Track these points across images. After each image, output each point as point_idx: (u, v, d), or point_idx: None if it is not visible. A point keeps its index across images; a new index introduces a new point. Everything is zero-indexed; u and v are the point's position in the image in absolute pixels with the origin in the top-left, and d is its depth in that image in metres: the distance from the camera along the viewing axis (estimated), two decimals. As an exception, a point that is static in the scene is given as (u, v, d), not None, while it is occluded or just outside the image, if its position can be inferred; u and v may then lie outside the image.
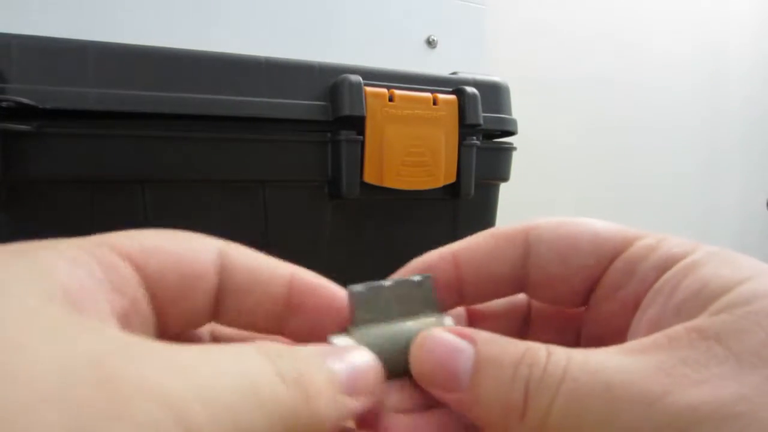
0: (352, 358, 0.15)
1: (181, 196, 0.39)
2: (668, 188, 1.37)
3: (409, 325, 0.17)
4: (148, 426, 0.10)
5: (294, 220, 0.44)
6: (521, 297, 0.20)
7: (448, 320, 0.18)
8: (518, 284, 0.19)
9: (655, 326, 0.15)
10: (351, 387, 0.15)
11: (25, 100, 0.33)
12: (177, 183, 0.39)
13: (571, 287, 0.18)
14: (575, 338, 0.20)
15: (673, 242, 0.17)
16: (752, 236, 1.52)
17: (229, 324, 0.17)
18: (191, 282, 0.16)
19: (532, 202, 1.03)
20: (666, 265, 0.16)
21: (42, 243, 0.14)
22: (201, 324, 0.17)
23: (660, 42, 1.32)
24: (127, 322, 0.14)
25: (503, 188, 0.53)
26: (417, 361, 0.16)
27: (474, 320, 0.20)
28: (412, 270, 0.19)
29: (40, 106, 0.34)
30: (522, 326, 0.20)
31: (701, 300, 0.14)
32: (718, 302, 0.14)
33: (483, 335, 0.16)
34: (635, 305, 0.17)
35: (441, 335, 0.16)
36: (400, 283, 0.18)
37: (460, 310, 0.20)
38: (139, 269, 0.15)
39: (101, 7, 0.60)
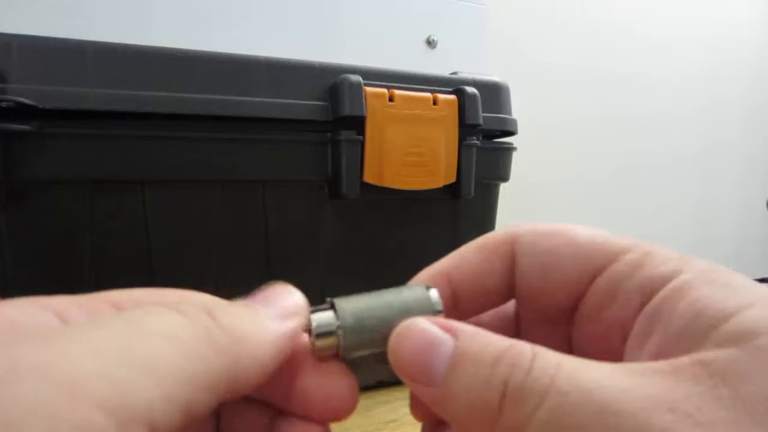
0: (268, 293, 0.16)
1: (181, 196, 0.39)
2: (668, 187, 1.37)
3: (399, 299, 0.17)
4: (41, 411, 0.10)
5: (294, 220, 0.44)
6: (510, 306, 0.20)
7: (434, 294, 0.17)
8: (509, 293, 0.19)
9: (656, 356, 0.14)
10: (275, 310, 0.15)
11: (25, 100, 0.33)
12: (177, 183, 0.39)
13: (554, 301, 0.18)
14: (567, 347, 0.19)
15: (659, 258, 0.16)
16: (752, 236, 1.52)
17: None
18: None
19: (532, 202, 1.03)
20: (652, 285, 0.15)
21: (39, 297, 0.14)
22: None
23: (660, 42, 1.32)
24: None
25: (503, 188, 0.53)
26: (393, 351, 0.15)
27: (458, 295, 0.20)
28: None
29: (40, 106, 0.34)
30: (513, 335, 0.20)
31: (700, 328, 0.14)
32: (719, 331, 0.13)
33: (467, 329, 0.15)
34: (621, 328, 0.16)
35: (422, 325, 0.15)
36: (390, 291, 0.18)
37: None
38: None
39: (101, 7, 0.60)
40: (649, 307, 0.15)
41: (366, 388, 0.46)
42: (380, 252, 0.47)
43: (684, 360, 0.13)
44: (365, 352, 0.16)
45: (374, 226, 0.47)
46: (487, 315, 0.20)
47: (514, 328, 0.20)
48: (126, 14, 0.61)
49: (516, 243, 0.18)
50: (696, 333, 0.14)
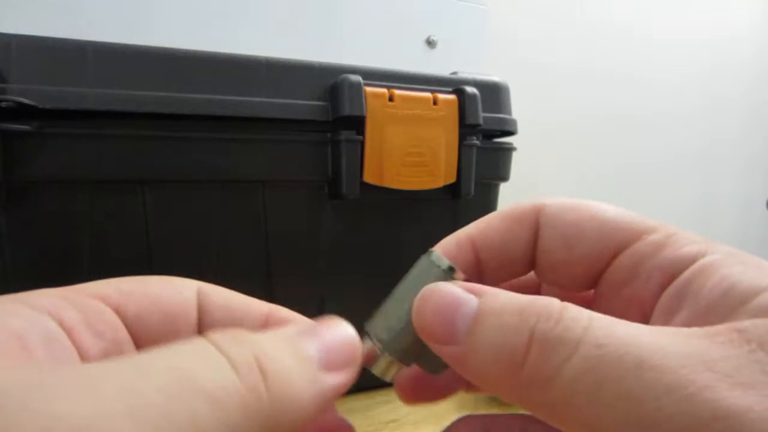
0: (323, 331, 0.14)
1: (181, 196, 0.39)
2: (668, 187, 1.37)
3: (411, 285, 0.16)
4: None
5: (294, 220, 0.44)
6: (532, 276, 0.20)
7: (436, 256, 0.17)
8: (531, 264, 0.19)
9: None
10: (327, 359, 0.13)
11: (25, 100, 0.33)
12: (177, 183, 0.39)
13: (573, 274, 0.18)
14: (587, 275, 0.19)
15: (683, 239, 0.16)
16: (752, 236, 1.52)
17: None
18: (173, 320, 0.16)
19: (532, 202, 1.02)
20: (675, 266, 0.15)
21: (19, 294, 0.14)
22: None
23: (660, 41, 1.32)
24: None
25: (503, 188, 0.53)
26: (417, 312, 0.15)
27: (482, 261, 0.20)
28: None
29: (40, 106, 0.34)
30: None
31: (732, 301, 0.13)
32: (751, 304, 0.13)
33: (491, 289, 0.15)
34: (640, 307, 0.16)
35: (445, 287, 0.15)
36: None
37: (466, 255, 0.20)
38: (119, 312, 0.15)
39: (101, 7, 0.60)
40: (675, 285, 0.15)
41: (366, 388, 0.46)
42: (380, 252, 0.47)
43: (719, 327, 0.13)
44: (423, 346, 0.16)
45: (374, 226, 0.47)
46: (505, 286, 0.20)
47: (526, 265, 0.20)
48: (126, 14, 0.61)
49: (541, 213, 0.18)
50: (727, 307, 0.13)
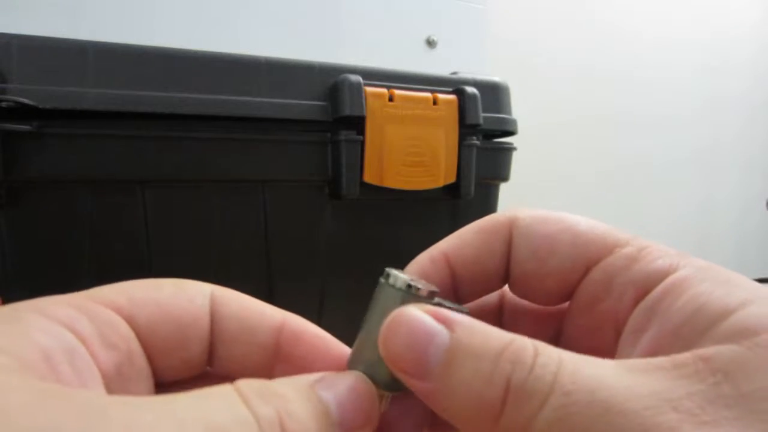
0: (341, 384, 0.14)
1: (181, 196, 0.39)
2: (668, 187, 1.37)
3: (377, 311, 0.16)
4: None
5: (294, 220, 0.44)
6: (493, 296, 0.20)
7: (393, 275, 0.16)
8: (506, 278, 0.18)
9: (653, 353, 0.14)
10: (344, 419, 0.14)
11: (25, 100, 0.33)
12: (177, 183, 0.39)
13: (546, 288, 0.18)
14: (553, 343, 0.19)
15: (656, 253, 0.16)
16: (752, 236, 1.52)
17: (223, 371, 0.17)
18: (185, 331, 0.16)
19: (532, 202, 1.02)
20: (648, 280, 0.15)
21: (33, 303, 0.14)
22: (197, 371, 0.17)
23: (661, 41, 1.32)
24: (120, 375, 0.14)
25: (503, 188, 0.53)
26: (384, 344, 0.15)
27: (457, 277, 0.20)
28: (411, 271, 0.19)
29: (40, 106, 0.34)
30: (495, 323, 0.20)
31: (699, 325, 0.13)
32: (719, 328, 0.13)
33: (462, 320, 0.14)
34: (614, 322, 0.16)
35: (414, 313, 0.14)
36: None
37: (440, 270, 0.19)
38: (131, 322, 0.15)
39: (101, 7, 0.60)
40: (646, 302, 0.15)
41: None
42: (380, 252, 0.47)
43: (685, 355, 0.13)
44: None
45: (374, 226, 0.47)
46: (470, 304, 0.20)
47: (496, 318, 0.20)
48: (126, 14, 0.61)
49: (514, 226, 0.18)
50: (695, 329, 0.13)
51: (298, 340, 0.17)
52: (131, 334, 0.15)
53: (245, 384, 0.13)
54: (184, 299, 0.16)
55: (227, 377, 0.17)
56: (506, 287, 0.20)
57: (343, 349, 0.17)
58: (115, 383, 0.14)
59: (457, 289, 0.19)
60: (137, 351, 0.15)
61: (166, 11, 0.63)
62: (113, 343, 0.14)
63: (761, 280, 0.87)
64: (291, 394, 0.13)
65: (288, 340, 0.17)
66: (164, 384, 0.16)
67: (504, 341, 0.14)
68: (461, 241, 0.18)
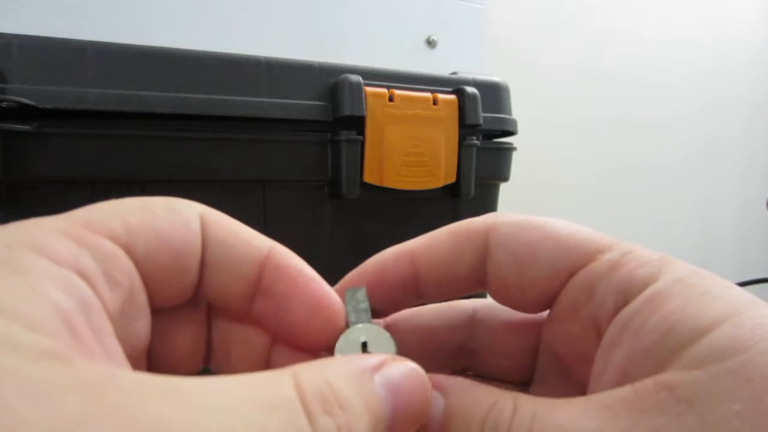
0: (399, 383, 0.14)
1: (181, 196, 0.39)
2: (668, 187, 1.37)
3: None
4: None
5: (294, 220, 0.44)
6: (468, 305, 0.20)
7: (373, 331, 0.17)
8: (478, 283, 0.18)
9: (622, 372, 0.14)
10: (395, 426, 0.13)
11: (25, 100, 0.33)
12: (177, 183, 0.39)
13: (526, 297, 0.17)
14: (532, 352, 0.19)
15: (637, 260, 0.15)
16: (752, 236, 1.52)
17: (210, 299, 0.17)
18: (182, 260, 0.15)
19: (532, 202, 1.03)
20: (627, 290, 0.15)
21: (25, 233, 0.12)
22: (187, 298, 0.16)
23: (661, 40, 1.32)
24: (123, 316, 0.14)
25: (503, 188, 0.53)
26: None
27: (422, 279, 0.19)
28: (368, 269, 0.19)
29: (40, 106, 0.34)
30: (469, 326, 0.20)
31: (669, 347, 0.13)
32: (688, 352, 0.13)
33: (454, 383, 0.15)
34: (596, 330, 0.16)
35: (415, 381, 0.15)
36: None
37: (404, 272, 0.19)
38: (129, 252, 0.14)
39: (101, 7, 0.60)
40: (621, 316, 0.15)
41: None
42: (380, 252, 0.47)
43: (648, 385, 0.13)
44: None
45: (374, 226, 0.47)
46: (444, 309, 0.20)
47: (469, 331, 0.20)
48: (126, 14, 0.61)
49: (492, 233, 0.17)
50: (664, 352, 0.13)
51: (281, 275, 0.16)
52: (132, 268, 0.14)
53: (308, 384, 0.12)
54: (180, 223, 0.15)
55: (210, 303, 0.17)
56: (474, 301, 0.20)
57: (325, 290, 0.17)
58: (118, 325, 0.13)
59: (420, 290, 0.18)
60: (139, 288, 0.14)
61: (166, 11, 0.63)
62: (117, 281, 0.13)
63: (761, 281, 0.87)
64: (351, 400, 0.12)
65: (270, 273, 0.16)
66: (157, 312, 0.15)
67: (488, 404, 0.14)
68: (432, 242, 0.18)
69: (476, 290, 0.18)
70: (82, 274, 0.12)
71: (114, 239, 0.14)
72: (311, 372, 0.12)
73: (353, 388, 0.13)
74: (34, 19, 0.57)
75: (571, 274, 0.16)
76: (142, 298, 0.14)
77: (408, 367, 0.14)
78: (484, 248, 0.17)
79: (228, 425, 0.10)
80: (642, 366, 0.14)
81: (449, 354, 0.20)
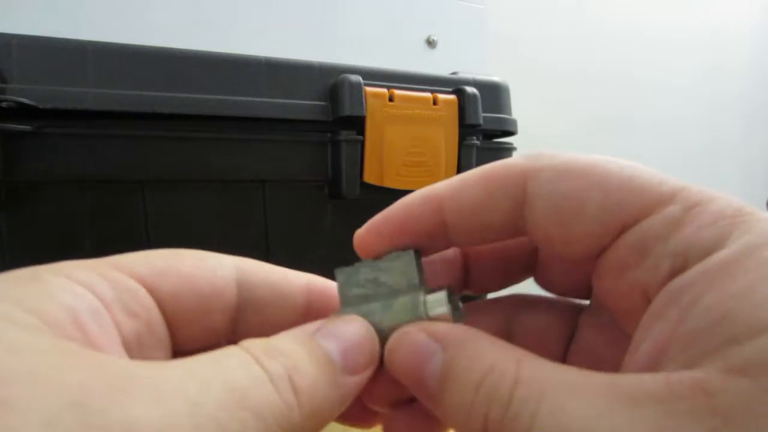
0: (342, 331, 0.15)
1: (181, 196, 0.39)
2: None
3: (387, 308, 0.16)
4: None
5: (294, 220, 0.44)
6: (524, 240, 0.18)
7: (429, 298, 0.16)
8: (515, 231, 0.16)
9: (661, 350, 0.12)
10: (348, 364, 0.14)
11: (25, 100, 0.33)
12: (177, 183, 0.39)
13: (573, 250, 0.15)
14: (587, 289, 0.18)
15: (705, 216, 0.13)
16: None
17: (252, 336, 0.18)
18: (208, 301, 0.16)
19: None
20: (687, 254, 0.13)
21: (53, 266, 0.14)
22: (219, 340, 0.17)
23: (660, 40, 1.32)
24: (139, 344, 0.14)
25: (503, 188, 0.53)
26: (390, 364, 0.15)
27: (472, 260, 0.19)
28: (394, 213, 0.17)
29: (40, 106, 0.34)
30: (527, 263, 0.19)
31: (718, 337, 0.11)
32: (739, 350, 0.11)
33: (453, 337, 0.14)
34: (644, 296, 0.14)
35: (411, 338, 0.15)
36: (383, 260, 0.18)
37: (451, 252, 0.19)
38: (152, 292, 0.15)
39: (101, 7, 0.60)
40: (673, 284, 0.13)
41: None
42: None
43: (684, 382, 0.11)
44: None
45: (374, 226, 0.47)
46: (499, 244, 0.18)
47: (528, 265, 0.19)
48: (126, 14, 0.61)
49: (530, 180, 0.15)
50: (711, 343, 0.11)
51: (327, 296, 0.18)
52: (152, 303, 0.15)
53: (250, 344, 0.13)
54: (206, 270, 0.16)
55: None
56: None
57: None
58: (134, 351, 0.14)
59: (449, 236, 0.17)
60: (158, 320, 0.15)
61: (166, 11, 0.63)
62: (134, 311, 0.14)
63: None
64: (295, 349, 0.14)
65: (317, 297, 0.18)
66: (184, 352, 0.16)
67: (484, 368, 0.13)
68: (461, 188, 0.16)
69: (513, 237, 0.17)
70: (97, 295, 0.13)
71: (137, 278, 0.15)
72: (258, 341, 0.14)
73: (294, 343, 0.14)
74: (34, 19, 0.57)
75: (624, 228, 0.14)
76: (161, 332, 0.15)
77: (348, 318, 0.16)
78: (521, 196, 0.15)
79: (196, 399, 0.11)
80: (683, 350, 0.12)
81: (518, 255, 0.19)
